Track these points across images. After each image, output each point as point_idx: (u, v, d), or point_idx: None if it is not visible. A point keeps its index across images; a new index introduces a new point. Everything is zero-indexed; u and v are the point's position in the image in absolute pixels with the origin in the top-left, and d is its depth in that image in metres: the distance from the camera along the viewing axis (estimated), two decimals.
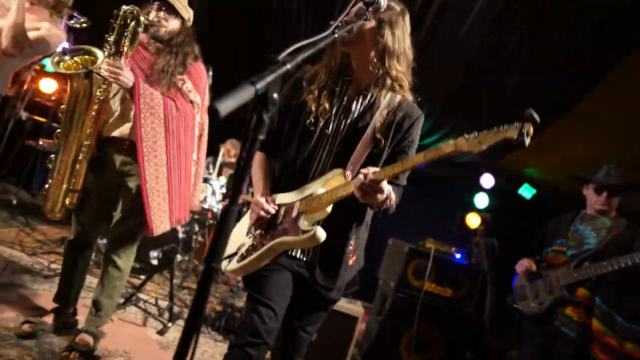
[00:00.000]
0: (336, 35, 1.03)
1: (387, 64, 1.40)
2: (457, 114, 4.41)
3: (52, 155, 1.98)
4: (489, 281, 3.71)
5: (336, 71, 1.49)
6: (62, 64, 1.90)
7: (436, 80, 3.71)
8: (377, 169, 1.23)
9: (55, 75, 5.07)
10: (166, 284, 3.51)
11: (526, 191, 5.43)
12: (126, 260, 2.15)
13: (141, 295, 3.10)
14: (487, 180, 5.48)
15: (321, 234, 1.31)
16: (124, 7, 1.94)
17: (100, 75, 1.84)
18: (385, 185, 1.24)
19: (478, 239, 3.39)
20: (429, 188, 5.59)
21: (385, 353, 3.06)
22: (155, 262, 3.63)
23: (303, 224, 1.36)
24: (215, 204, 4.15)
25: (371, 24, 1.37)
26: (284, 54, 0.81)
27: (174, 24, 2.12)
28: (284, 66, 0.78)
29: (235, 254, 1.46)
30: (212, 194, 4.15)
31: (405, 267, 3.15)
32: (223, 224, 0.70)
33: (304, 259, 1.48)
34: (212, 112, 0.63)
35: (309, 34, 0.96)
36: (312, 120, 1.45)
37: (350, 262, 1.52)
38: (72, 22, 2.16)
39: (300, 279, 1.48)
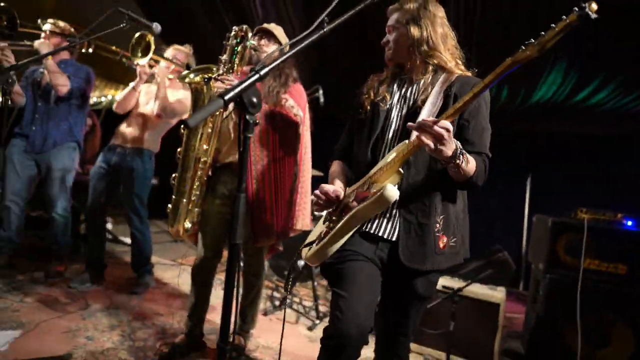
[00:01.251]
0: (325, 30, 1.06)
1: (423, 53, 1.47)
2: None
3: (174, 174, 2.23)
4: None
5: (392, 76, 1.60)
6: (186, 78, 2.21)
7: None
8: None
9: None
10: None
11: None
12: (259, 271, 2.42)
13: (295, 298, 3.51)
14: None
15: (391, 189, 1.28)
16: (235, 27, 2.18)
17: (215, 86, 2.08)
18: (448, 131, 1.18)
19: None
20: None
21: (550, 345, 2.68)
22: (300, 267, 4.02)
23: (373, 189, 1.34)
24: None
25: (400, 31, 1.51)
26: (260, 63, 0.91)
27: (272, 50, 2.30)
28: (256, 74, 0.88)
29: (314, 242, 1.52)
30: None
31: (552, 244, 2.74)
32: (235, 208, 0.85)
33: (387, 237, 1.44)
34: (183, 125, 0.79)
35: None
36: (377, 109, 1.53)
37: (441, 244, 1.43)
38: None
39: (384, 266, 1.46)
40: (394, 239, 1.44)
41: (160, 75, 2.88)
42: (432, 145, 1.19)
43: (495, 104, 4.89)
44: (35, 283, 3.07)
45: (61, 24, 3.01)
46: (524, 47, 1.11)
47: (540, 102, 4.76)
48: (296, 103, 2.27)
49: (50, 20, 2.98)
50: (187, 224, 2.26)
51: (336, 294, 1.40)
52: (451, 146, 1.21)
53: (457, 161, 1.24)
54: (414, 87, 1.52)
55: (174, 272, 3.92)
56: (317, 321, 3.10)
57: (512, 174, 5.58)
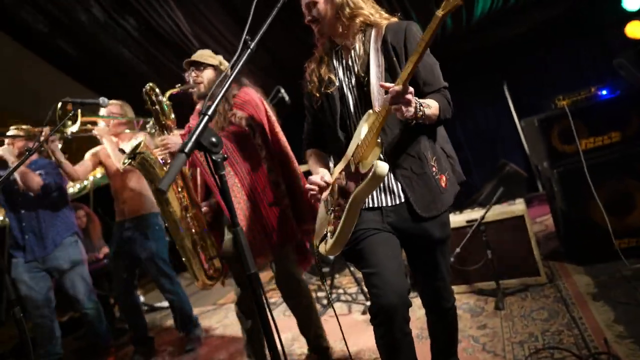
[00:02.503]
0: (251, 48, 1.08)
1: (348, 15, 1.48)
2: None
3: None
4: None
5: (327, 53, 1.60)
6: (126, 164, 2.28)
7: None
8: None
9: None
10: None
11: None
12: (291, 292, 2.30)
13: (339, 290, 3.56)
14: None
15: (381, 165, 1.32)
16: (144, 90, 2.26)
17: (160, 154, 2.17)
18: (407, 92, 1.22)
19: (619, 60, 2.72)
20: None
21: (582, 233, 2.72)
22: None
23: (363, 169, 1.38)
24: None
25: (321, 2, 1.49)
26: (208, 107, 0.93)
27: (208, 75, 2.28)
28: (205, 116, 0.91)
29: (326, 234, 1.54)
30: None
31: (547, 140, 2.79)
32: (238, 242, 0.89)
33: (390, 204, 1.49)
34: (158, 191, 0.82)
35: None
36: (329, 92, 1.54)
37: (443, 183, 1.49)
38: None
39: (397, 229, 1.49)
40: (397, 202, 1.49)
41: (102, 133, 2.87)
42: (404, 112, 1.24)
43: (444, 33, 4.92)
44: None
45: (24, 126, 2.97)
46: None
47: (484, 15, 4.78)
48: (243, 111, 2.21)
49: (13, 127, 2.97)
50: (210, 273, 2.34)
51: (365, 273, 1.45)
52: (413, 104, 1.26)
53: (420, 114, 1.29)
54: (352, 54, 1.54)
55: (220, 315, 3.97)
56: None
57: (488, 89, 5.66)
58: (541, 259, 2.77)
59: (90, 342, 3.38)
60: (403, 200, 1.48)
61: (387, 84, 1.25)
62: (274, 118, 2.30)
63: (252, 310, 2.33)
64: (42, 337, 3.03)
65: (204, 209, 2.35)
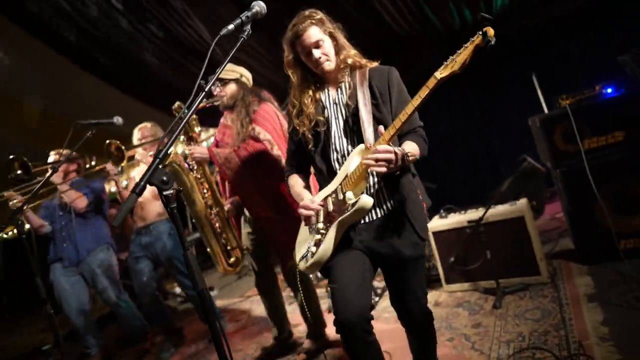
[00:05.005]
0: (206, 90, 1.23)
1: (343, 57, 1.66)
2: None
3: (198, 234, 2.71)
4: None
5: (314, 91, 1.72)
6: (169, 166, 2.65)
7: None
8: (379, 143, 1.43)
9: None
10: None
11: None
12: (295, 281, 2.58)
13: None
14: None
15: (366, 199, 1.47)
16: (173, 107, 2.63)
17: (187, 163, 2.52)
18: (394, 154, 1.38)
19: (623, 57, 2.63)
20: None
21: (589, 231, 2.71)
22: None
23: (350, 199, 1.51)
24: None
25: (325, 42, 1.64)
26: (160, 151, 1.10)
27: (231, 89, 2.52)
28: (156, 159, 1.08)
29: (307, 254, 1.65)
30: None
31: (549, 140, 2.78)
32: (186, 263, 1.09)
33: (372, 218, 1.62)
34: (113, 225, 1.01)
35: None
36: (315, 129, 1.68)
37: (425, 210, 1.67)
38: None
39: (371, 251, 1.60)
40: (373, 218, 1.63)
41: (142, 158, 3.15)
42: (385, 170, 1.40)
43: (465, 24, 4.84)
44: None
45: (63, 151, 3.34)
46: (446, 63, 1.33)
47: (505, 5, 4.68)
48: (262, 128, 2.48)
49: (52, 152, 3.37)
50: (231, 260, 2.74)
51: (331, 288, 1.59)
52: (399, 158, 1.41)
53: (407, 162, 1.46)
54: (339, 92, 1.70)
55: (246, 306, 4.27)
56: (377, 298, 3.31)
57: (516, 83, 5.47)
58: (545, 258, 2.80)
59: (127, 334, 3.76)
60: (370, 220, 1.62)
61: (375, 146, 1.42)
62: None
63: (268, 289, 2.73)
64: (83, 330, 3.42)
65: (227, 206, 2.64)
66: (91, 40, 4.56)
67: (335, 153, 1.67)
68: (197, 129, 2.73)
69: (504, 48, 5.26)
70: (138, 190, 1.01)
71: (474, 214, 2.90)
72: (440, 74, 1.34)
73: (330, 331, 2.65)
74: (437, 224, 3.03)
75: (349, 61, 1.67)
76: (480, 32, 1.25)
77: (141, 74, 5.24)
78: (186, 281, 3.52)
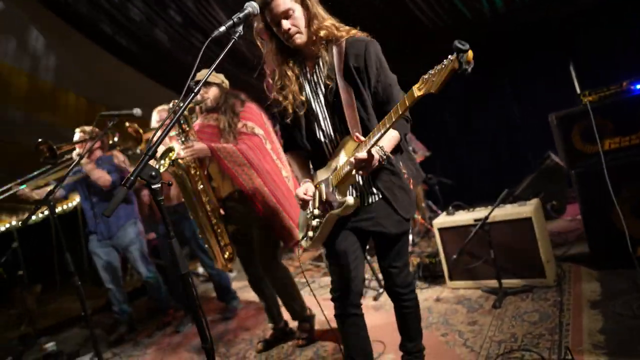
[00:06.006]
0: (195, 91, 1.28)
1: (315, 28, 1.55)
2: None
3: (198, 231, 2.78)
4: None
5: (285, 57, 1.66)
6: (162, 169, 2.54)
7: None
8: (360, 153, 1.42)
9: None
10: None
11: None
12: (273, 271, 2.66)
13: None
14: None
15: (350, 200, 1.58)
16: (169, 108, 2.69)
17: (186, 159, 2.50)
18: (367, 155, 1.41)
19: None
20: None
21: (605, 236, 2.58)
22: None
23: (338, 196, 1.60)
24: None
25: (296, 13, 1.52)
26: (150, 148, 1.17)
27: (213, 92, 2.61)
28: (146, 156, 1.15)
29: (307, 233, 1.76)
30: None
31: (566, 139, 2.66)
32: (171, 250, 1.17)
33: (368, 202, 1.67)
34: (103, 214, 1.11)
35: None
36: (297, 108, 1.68)
37: (411, 185, 1.70)
38: None
39: (361, 230, 1.70)
40: (370, 201, 1.68)
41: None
42: (367, 173, 1.48)
43: (495, 9, 4.63)
44: (151, 337, 3.75)
45: (87, 128, 3.53)
46: (425, 77, 1.20)
47: None
48: (254, 123, 2.60)
49: (77, 129, 3.56)
50: (227, 255, 2.71)
51: (329, 264, 1.81)
52: (376, 160, 1.44)
53: (385, 157, 1.47)
54: (317, 70, 1.64)
55: None
56: (381, 289, 3.33)
57: (553, 70, 5.16)
58: (555, 261, 2.71)
59: (154, 305, 4.05)
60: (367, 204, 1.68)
61: (359, 156, 1.41)
62: (270, 128, 2.70)
63: (259, 286, 2.82)
64: (113, 297, 3.75)
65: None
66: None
67: (322, 136, 1.68)
68: (190, 124, 2.65)
69: (540, 34, 5.03)
70: (129, 184, 1.10)
71: (481, 213, 2.84)
72: (418, 90, 1.24)
73: (318, 311, 2.73)
74: (443, 220, 3.00)
75: (322, 33, 1.54)
76: (456, 56, 1.10)
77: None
78: (206, 259, 3.68)
